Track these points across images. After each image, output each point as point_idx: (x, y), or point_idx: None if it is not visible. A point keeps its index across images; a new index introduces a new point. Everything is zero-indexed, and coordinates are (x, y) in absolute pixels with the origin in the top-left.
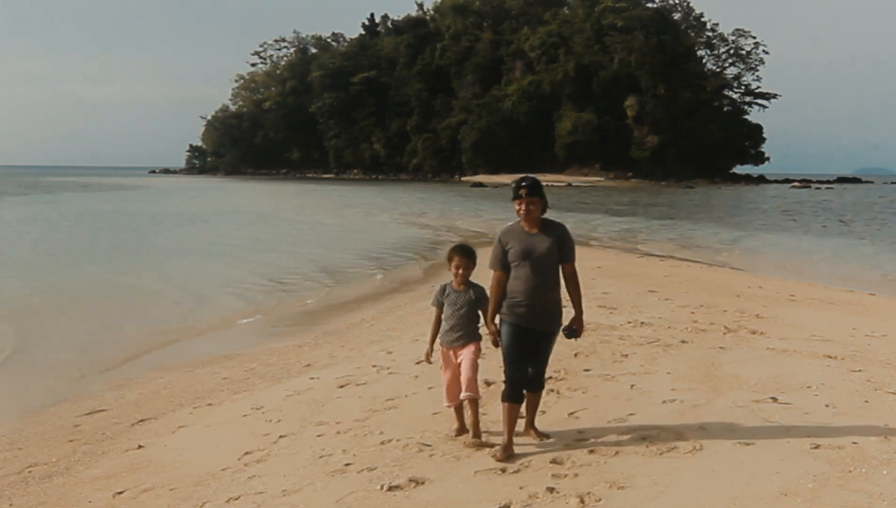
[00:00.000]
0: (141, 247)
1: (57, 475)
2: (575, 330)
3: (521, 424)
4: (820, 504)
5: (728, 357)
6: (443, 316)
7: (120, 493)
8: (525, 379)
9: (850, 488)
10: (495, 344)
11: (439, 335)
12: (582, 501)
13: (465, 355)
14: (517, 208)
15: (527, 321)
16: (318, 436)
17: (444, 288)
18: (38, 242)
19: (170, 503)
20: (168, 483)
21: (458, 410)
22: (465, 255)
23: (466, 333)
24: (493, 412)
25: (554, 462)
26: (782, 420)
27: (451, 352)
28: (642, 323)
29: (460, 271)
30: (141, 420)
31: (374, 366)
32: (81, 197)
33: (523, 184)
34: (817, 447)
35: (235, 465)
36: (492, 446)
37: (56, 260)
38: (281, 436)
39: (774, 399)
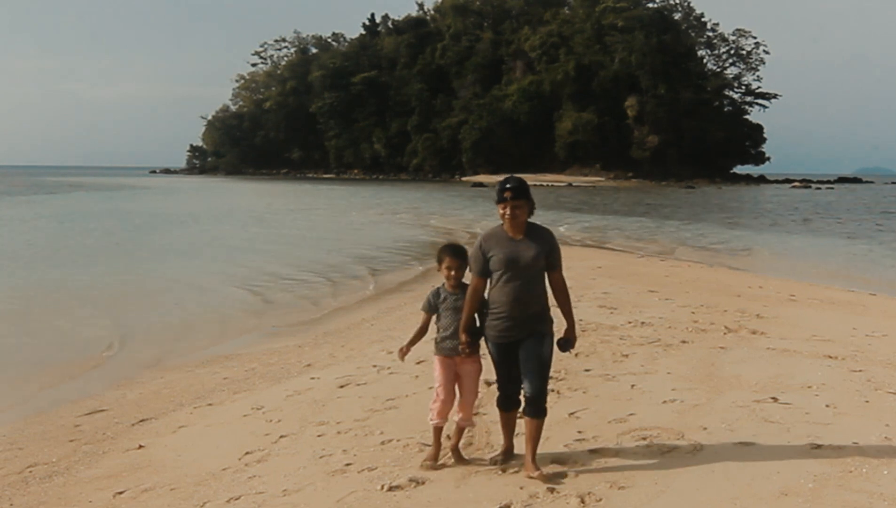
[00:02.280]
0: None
1: (57, 474)
2: (570, 341)
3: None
4: (820, 504)
5: (728, 357)
6: (439, 324)
7: (120, 493)
8: (518, 392)
9: (851, 488)
10: (472, 352)
11: (436, 344)
12: (582, 501)
13: (469, 375)
14: (501, 212)
15: (511, 337)
16: (319, 436)
17: (438, 292)
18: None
19: (170, 502)
20: (169, 482)
21: (439, 432)
22: (456, 255)
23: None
24: (494, 412)
25: (554, 461)
26: (783, 420)
27: (453, 361)
28: (643, 323)
29: (452, 273)
30: (141, 420)
31: (375, 366)
32: (86, 197)
33: (508, 186)
34: (818, 447)
35: (236, 465)
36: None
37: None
38: (281, 436)
39: (775, 399)
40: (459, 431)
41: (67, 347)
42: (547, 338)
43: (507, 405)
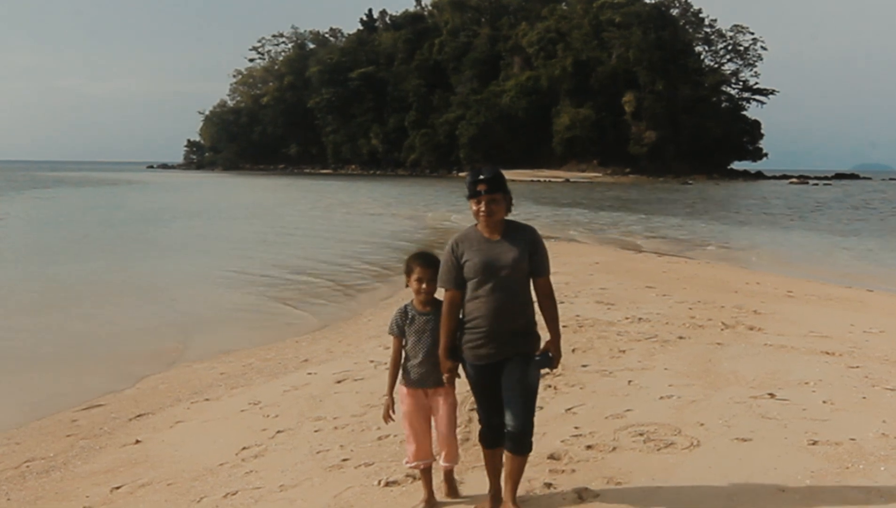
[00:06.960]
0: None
1: (54, 469)
2: (551, 358)
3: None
4: (817, 501)
5: (726, 353)
6: (406, 349)
7: (117, 488)
8: (502, 424)
9: (848, 484)
10: (450, 382)
11: (402, 372)
12: (580, 497)
13: (443, 408)
14: (474, 208)
15: (491, 357)
16: (316, 431)
17: (405, 311)
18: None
19: (167, 497)
20: (166, 477)
21: (427, 473)
22: (428, 264)
23: (438, 366)
24: None
25: (551, 457)
26: (780, 417)
27: (422, 393)
28: (640, 319)
29: (423, 286)
30: (138, 416)
31: (372, 361)
32: (88, 192)
33: (482, 177)
34: (815, 443)
35: (233, 460)
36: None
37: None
38: (278, 431)
39: (772, 395)
40: (448, 474)
41: (65, 344)
42: (533, 361)
43: (490, 440)
